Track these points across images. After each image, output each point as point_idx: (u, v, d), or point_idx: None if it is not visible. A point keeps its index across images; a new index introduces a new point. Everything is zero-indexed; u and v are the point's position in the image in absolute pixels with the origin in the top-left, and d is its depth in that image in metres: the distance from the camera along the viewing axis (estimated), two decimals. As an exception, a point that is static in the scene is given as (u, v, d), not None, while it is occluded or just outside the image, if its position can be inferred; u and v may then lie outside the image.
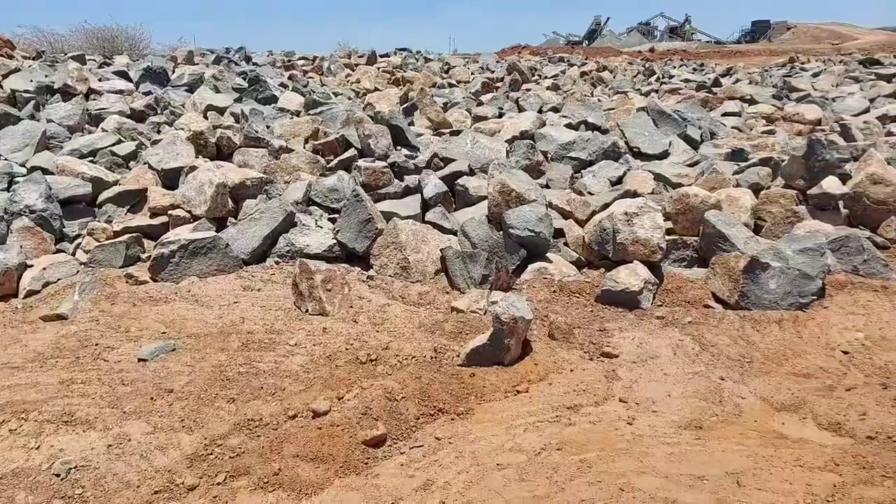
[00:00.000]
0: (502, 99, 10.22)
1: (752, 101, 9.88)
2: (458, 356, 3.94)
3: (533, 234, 5.14)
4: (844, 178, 5.77)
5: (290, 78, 13.41)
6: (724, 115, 9.17)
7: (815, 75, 13.96)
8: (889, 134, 8.39)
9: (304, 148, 7.03)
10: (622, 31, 58.23)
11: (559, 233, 5.62)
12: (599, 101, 11.03)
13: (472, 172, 6.25)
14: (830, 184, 5.52)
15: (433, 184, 5.80)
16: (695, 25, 52.92)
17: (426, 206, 5.77)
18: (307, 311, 4.42)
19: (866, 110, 9.64)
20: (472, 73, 16.09)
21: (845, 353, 4.04)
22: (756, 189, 5.92)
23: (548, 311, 4.69)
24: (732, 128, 8.31)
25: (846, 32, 47.00)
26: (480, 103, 10.31)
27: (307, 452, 3.08)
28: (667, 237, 5.38)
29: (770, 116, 8.86)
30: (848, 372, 3.81)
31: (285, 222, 5.41)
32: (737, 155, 6.94)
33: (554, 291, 5.02)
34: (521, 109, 9.18)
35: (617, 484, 2.81)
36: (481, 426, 3.36)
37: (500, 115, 8.98)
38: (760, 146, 7.17)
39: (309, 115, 8.37)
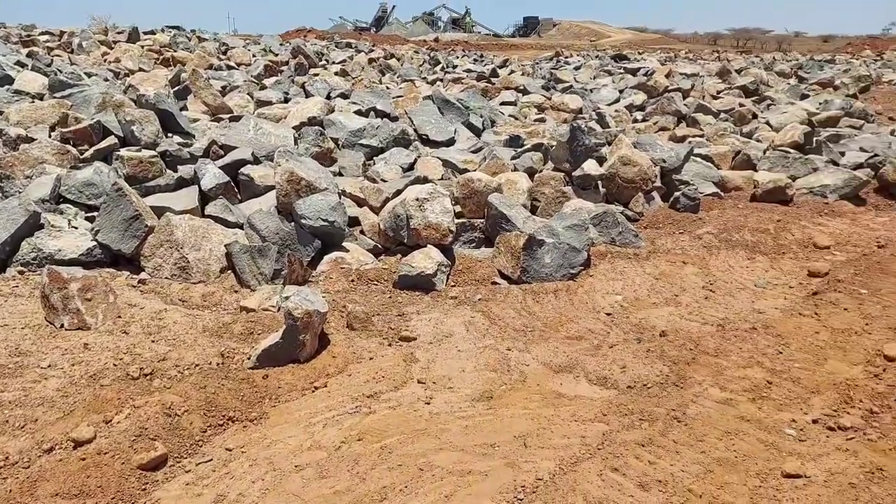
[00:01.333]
0: (287, 83, 9.82)
1: (525, 92, 10.78)
2: (250, 359, 3.70)
3: (327, 223, 5.01)
4: (601, 160, 6.53)
5: (29, 55, 11.40)
6: (502, 104, 9.87)
7: (577, 68, 15.70)
8: (635, 121, 9.74)
9: (50, 137, 6.02)
10: (408, 19, 59.87)
11: (354, 221, 5.56)
12: (388, 88, 11.17)
13: (256, 161, 5.89)
14: (590, 166, 6.21)
15: (212, 174, 5.34)
16: (474, 18, 56.31)
17: (206, 198, 5.30)
18: (63, 325, 3.79)
19: (617, 100, 11.08)
20: (253, 56, 15.23)
21: (608, 314, 4.57)
22: (531, 172, 6.44)
23: (346, 301, 4.61)
24: (510, 116, 8.97)
25: (601, 30, 53.71)
26: (263, 87, 9.79)
27: (69, 489, 2.65)
28: (456, 220, 5.61)
29: (541, 105, 9.75)
30: (611, 331, 4.31)
31: (28, 224, 4.58)
32: (514, 141, 7.49)
33: (352, 281, 4.96)
34: (308, 95, 8.90)
35: (416, 465, 2.84)
36: (277, 429, 3.18)
37: (286, 101, 8.61)
38: (533, 133, 7.83)
39: (54, 98, 7.19)
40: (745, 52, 38.58)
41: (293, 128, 6.90)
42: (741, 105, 10.22)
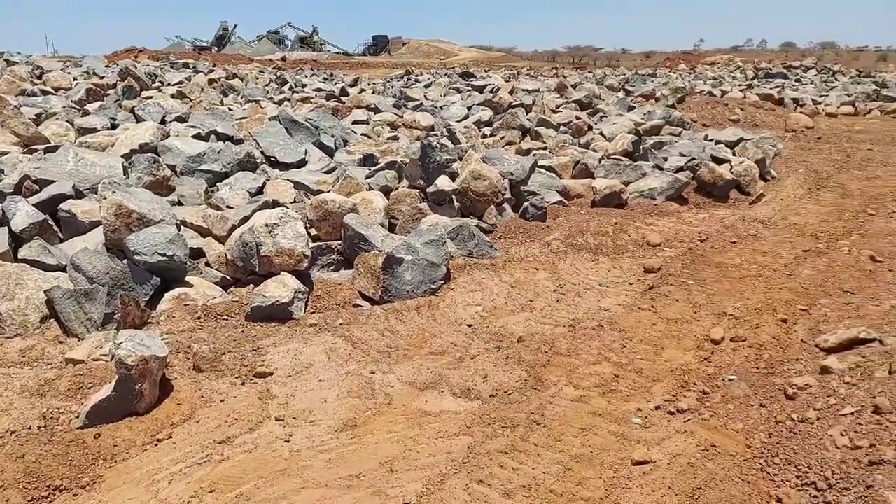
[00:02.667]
0: (114, 108, 8.99)
1: (376, 110, 10.81)
2: (78, 417, 3.28)
3: (165, 258, 4.61)
4: (454, 175, 6.68)
5: None
6: (354, 122, 9.81)
7: (427, 86, 16.07)
8: (484, 136, 10.11)
9: None
10: (253, 38, 57.92)
11: (198, 253, 5.18)
12: (230, 109, 10.65)
13: (79, 195, 5.30)
14: (443, 181, 6.32)
15: (24, 212, 4.71)
16: (323, 37, 55.80)
17: (18, 240, 4.66)
18: None
19: (466, 116, 11.46)
20: (74, 79, 13.84)
21: (469, 325, 4.64)
22: (386, 191, 6.43)
23: (192, 340, 4.26)
24: (362, 135, 8.92)
25: (449, 49, 55.62)
26: (86, 113, 8.89)
27: None
28: (312, 244, 5.43)
29: (393, 123, 9.82)
30: (472, 342, 4.38)
31: None
32: (367, 160, 7.45)
33: (199, 318, 4.59)
34: (138, 119, 8.23)
35: (276, 511, 2.66)
36: (114, 492, 2.83)
37: (113, 127, 7.88)
38: (387, 151, 7.84)
39: None
40: (580, 67, 41.90)
41: (122, 156, 6.31)
42: (577, 118, 11.02)
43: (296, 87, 15.16)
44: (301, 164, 7.14)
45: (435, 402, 3.61)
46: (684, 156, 8.71)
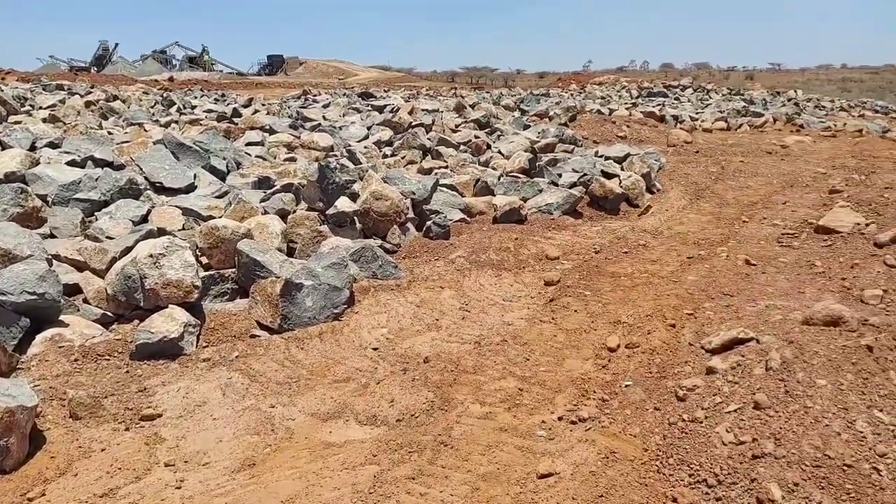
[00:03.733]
0: (-26, 135, 8.16)
1: (271, 131, 10.51)
2: (-70, 483, 2.88)
3: (35, 296, 4.19)
4: (355, 196, 6.59)
5: None
6: (248, 144, 9.47)
7: (325, 106, 15.86)
8: (385, 156, 10.09)
9: None
10: (137, 58, 54.88)
11: (75, 289, 4.76)
12: (110, 133, 9.96)
13: (-69, 230, 4.72)
14: (343, 203, 6.22)
15: None
16: (214, 56, 53.81)
17: None
18: None
19: (366, 136, 11.40)
20: (-71, 105, 12.46)
21: (375, 349, 4.55)
22: (284, 214, 6.23)
23: (69, 385, 3.88)
24: (257, 157, 8.63)
25: (348, 69, 55.42)
26: (-57, 141, 8.00)
27: None
28: (203, 273, 5.15)
29: (290, 144, 9.58)
30: (378, 366, 4.29)
31: None
32: (263, 183, 7.20)
33: (76, 360, 4.20)
34: (4, 147, 7.50)
35: (166, 568, 2.44)
36: (-27, 570, 2.49)
37: (-26, 155, 7.14)
38: (284, 173, 7.62)
39: None
40: (477, 87, 43.10)
41: (-16, 187, 5.71)
42: (476, 137, 11.26)
43: (184, 108, 14.44)
44: (190, 189, 6.79)
45: (340, 432, 3.49)
46: (577, 172, 9.10)
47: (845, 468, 2.52)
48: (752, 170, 11.43)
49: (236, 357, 4.36)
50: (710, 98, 27.16)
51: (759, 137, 15.93)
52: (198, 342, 4.57)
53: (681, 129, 15.91)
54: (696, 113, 19.80)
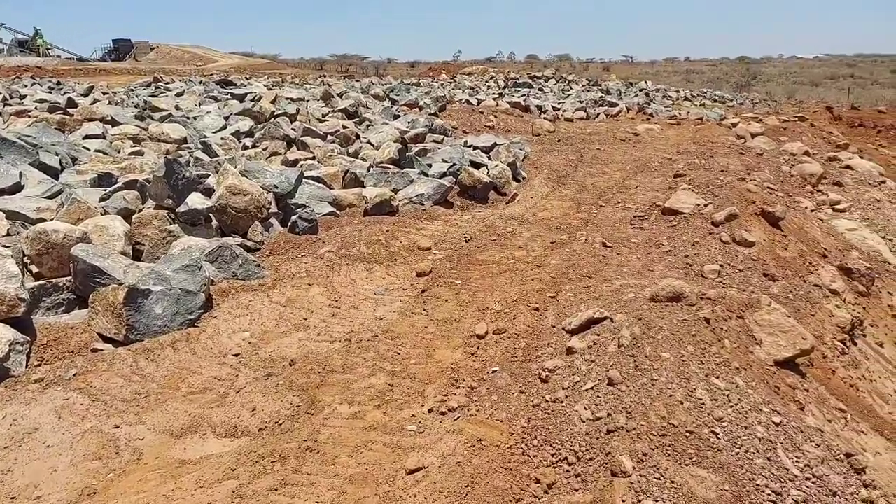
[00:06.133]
0: None
1: (114, 122, 9.54)
2: None
3: None
4: (209, 191, 6.15)
5: None
6: (87, 137, 8.52)
7: (179, 95, 14.70)
8: (245, 147, 9.55)
9: None
10: (-49, 41, 47.68)
11: None
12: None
13: None
14: (195, 199, 5.77)
15: None
16: (49, 40, 48.06)
17: None
18: None
19: (224, 127, 10.71)
20: None
21: (236, 355, 4.27)
22: (127, 214, 5.67)
23: None
24: (97, 151, 7.78)
25: (207, 55, 51.98)
26: None
27: None
28: (33, 283, 4.57)
29: (136, 137, 8.76)
30: (239, 373, 4.03)
31: None
32: (104, 180, 6.52)
33: None
34: None
35: None
36: None
37: None
38: (128, 168, 6.96)
39: None
40: (347, 76, 42.29)
41: None
42: (345, 127, 11.00)
43: (10, 98, 12.73)
44: (15, 189, 5.98)
45: (195, 448, 3.23)
46: (447, 162, 9.18)
47: (687, 434, 2.71)
48: (607, 157, 12.18)
49: (74, 375, 3.90)
50: (572, 89, 28.65)
51: (615, 126, 17.04)
52: (28, 362, 4.04)
53: (544, 118, 16.61)
54: (559, 103, 20.78)
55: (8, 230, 5.23)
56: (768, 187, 8.43)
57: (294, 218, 6.60)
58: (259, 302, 5.07)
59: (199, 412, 3.53)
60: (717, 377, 3.05)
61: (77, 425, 3.41)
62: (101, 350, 4.26)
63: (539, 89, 27.24)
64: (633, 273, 5.22)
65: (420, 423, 3.34)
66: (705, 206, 6.79)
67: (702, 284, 4.50)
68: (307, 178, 7.61)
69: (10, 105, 11.22)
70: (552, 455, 2.84)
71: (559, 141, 13.99)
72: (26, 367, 4.01)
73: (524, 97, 21.04)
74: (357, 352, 4.23)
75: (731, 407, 2.83)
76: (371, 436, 3.23)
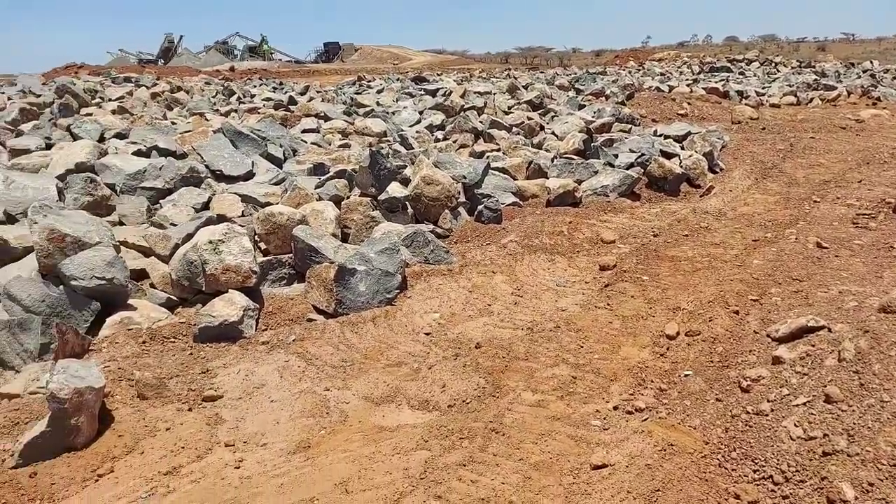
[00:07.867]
0: (48, 127, 8.60)
1: (326, 118, 10.63)
2: (13, 456, 3.08)
3: (104, 281, 4.40)
4: (406, 181, 6.60)
5: None
6: (304, 131, 9.62)
7: (379, 92, 15.93)
8: (437, 140, 10.05)
9: None
10: (200, 50, 56.51)
11: (142, 274, 4.98)
12: (173, 123, 10.33)
13: (11, 220, 5.03)
14: (395, 188, 6.23)
15: (-52, 241, 4.44)
16: (272, 45, 54.89)
17: (-58, 271, 4.39)
18: None
19: (418, 121, 11.38)
20: (9, 99, 13.26)
21: (427, 334, 4.55)
22: (337, 200, 6.30)
23: (137, 366, 4.06)
24: (312, 144, 8.75)
25: (403, 54, 55.47)
26: (20, 134, 8.50)
27: None
28: (261, 258, 5.28)
29: (344, 131, 9.67)
30: (430, 351, 4.30)
31: None
32: (318, 169, 7.30)
33: (143, 342, 4.39)
34: (75, 138, 7.89)
35: (225, 545, 2.53)
36: (51, 538, 2.65)
37: (48, 147, 7.55)
38: (338, 159, 7.71)
39: None
40: (532, 68, 42.34)
41: (57, 177, 6.03)
42: (529, 118, 11.06)
43: (244, 97, 14.79)
44: (248, 176, 6.95)
45: (392, 417, 3.52)
46: (634, 152, 8.81)
47: (927, 468, 2.35)
48: (823, 146, 10.79)
49: (293, 340, 4.45)
50: (778, 72, 25.79)
51: (832, 112, 15.03)
52: (257, 325, 4.69)
53: (746, 104, 15.17)
54: (763, 87, 18.84)
55: (242, 212, 6.09)
56: None
57: (480, 207, 6.82)
58: (447, 286, 5.33)
59: (395, 383, 3.84)
60: (970, 407, 2.58)
61: (295, 385, 3.89)
62: (315, 320, 4.80)
63: (740, 73, 24.91)
64: (855, 279, 4.60)
65: (605, 419, 3.29)
66: (956, 205, 5.74)
67: (949, 297, 3.82)
68: (493, 168, 7.81)
69: (244, 103, 13.04)
70: (754, 471, 2.63)
71: (763, 129, 12.69)
72: (255, 330, 4.66)
73: (722, 82, 19.38)
74: (539, 341, 4.27)
75: None
76: (554, 426, 3.25)
